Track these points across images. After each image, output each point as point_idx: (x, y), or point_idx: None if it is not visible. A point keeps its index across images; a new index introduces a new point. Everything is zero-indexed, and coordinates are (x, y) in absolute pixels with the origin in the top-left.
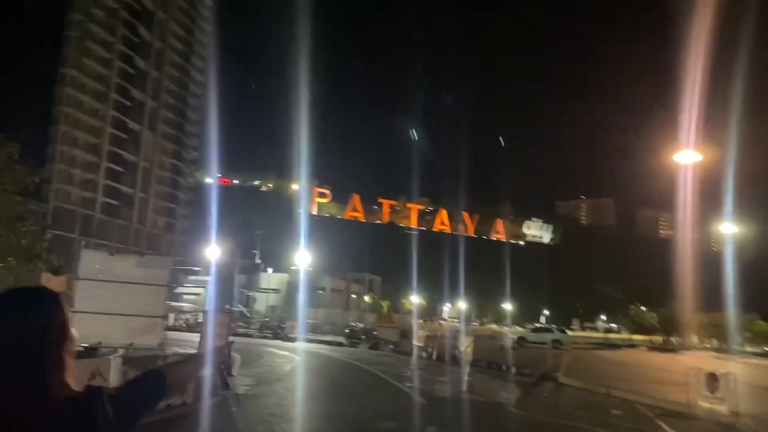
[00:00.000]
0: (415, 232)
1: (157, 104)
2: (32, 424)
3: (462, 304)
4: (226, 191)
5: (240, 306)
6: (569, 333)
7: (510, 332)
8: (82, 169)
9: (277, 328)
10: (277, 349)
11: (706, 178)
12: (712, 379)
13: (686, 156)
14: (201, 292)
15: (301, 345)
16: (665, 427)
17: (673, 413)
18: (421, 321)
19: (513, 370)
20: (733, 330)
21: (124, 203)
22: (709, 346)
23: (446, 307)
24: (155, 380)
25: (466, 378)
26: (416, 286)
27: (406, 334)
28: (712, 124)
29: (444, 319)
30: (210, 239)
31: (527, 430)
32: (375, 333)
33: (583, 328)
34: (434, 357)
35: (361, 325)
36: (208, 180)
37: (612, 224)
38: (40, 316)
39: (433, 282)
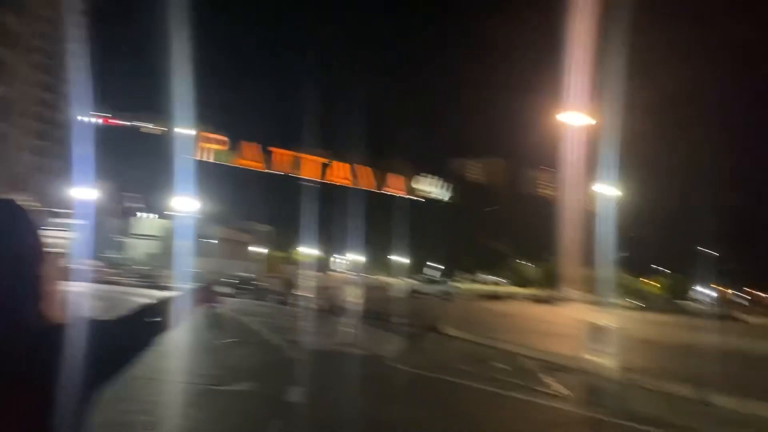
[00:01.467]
0: (310, 184)
1: (29, 30)
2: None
3: (357, 257)
4: (110, 132)
5: (115, 253)
6: (459, 285)
7: (403, 284)
8: None
9: (153, 277)
10: (147, 298)
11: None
12: (599, 332)
13: (570, 117)
14: (70, 237)
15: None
16: (551, 381)
17: (560, 367)
18: (316, 272)
19: (400, 321)
20: (606, 283)
21: None
22: (584, 298)
23: (341, 260)
24: (149, 315)
25: (348, 330)
26: (311, 238)
27: (293, 284)
28: (598, 88)
29: (339, 271)
30: (85, 181)
31: (405, 387)
32: (262, 283)
33: (471, 281)
34: (321, 308)
35: (248, 275)
36: (87, 118)
37: (502, 183)
38: (10, 234)
39: (329, 234)
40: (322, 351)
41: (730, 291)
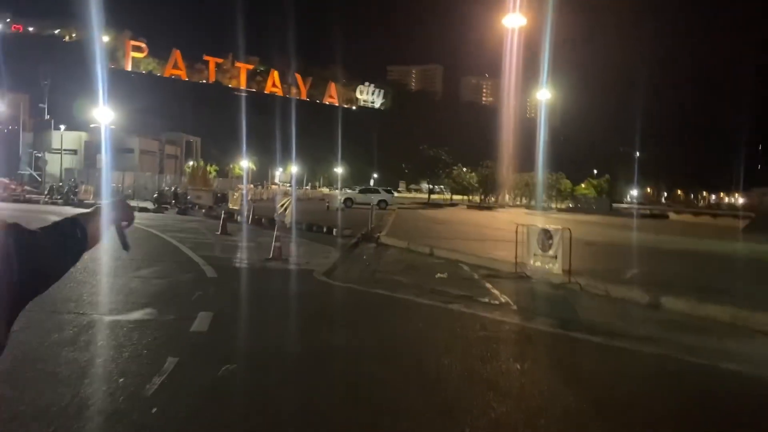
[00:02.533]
0: (244, 94)
1: None
2: None
3: (293, 168)
4: (17, 39)
5: (28, 169)
6: (395, 194)
7: (339, 194)
8: None
9: (69, 193)
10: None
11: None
12: (546, 236)
13: (511, 20)
14: None
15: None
16: (495, 291)
17: (502, 274)
18: (251, 186)
19: (334, 231)
20: (542, 188)
21: None
22: (520, 203)
23: (277, 172)
24: (73, 228)
25: (274, 243)
26: (246, 150)
27: (222, 198)
28: None
29: (275, 184)
30: None
31: (335, 305)
32: (188, 197)
33: (410, 190)
34: (250, 221)
35: (173, 189)
36: None
37: (440, 90)
38: None
39: (264, 146)
40: (242, 267)
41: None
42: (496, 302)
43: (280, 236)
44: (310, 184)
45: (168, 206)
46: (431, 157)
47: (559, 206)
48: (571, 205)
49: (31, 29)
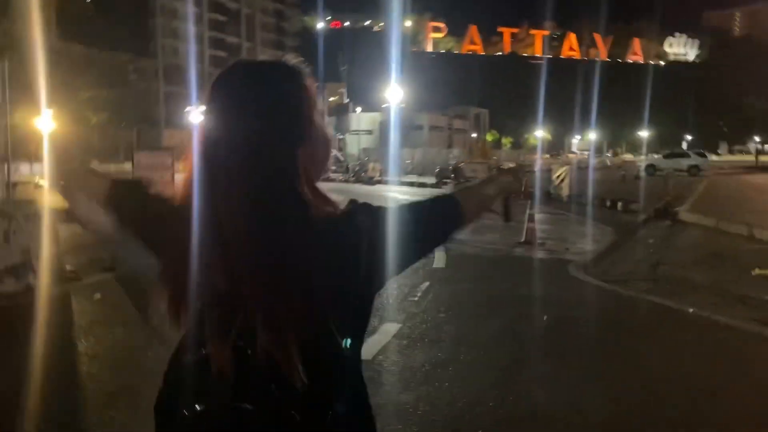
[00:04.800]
0: (539, 61)
1: None
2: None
3: (592, 135)
4: (334, 34)
5: (333, 150)
6: (713, 157)
7: (641, 161)
8: (184, 21)
9: (361, 171)
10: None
11: None
12: None
13: None
14: None
15: (376, 189)
16: None
17: None
18: (548, 156)
19: (622, 207)
20: None
21: (232, 54)
22: None
23: (575, 140)
24: (448, 206)
25: (528, 224)
26: (541, 119)
27: (498, 169)
28: None
29: (572, 152)
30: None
31: (575, 322)
32: (465, 171)
33: (732, 152)
34: (522, 195)
35: (453, 164)
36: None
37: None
38: (290, 89)
39: (562, 114)
40: (484, 256)
41: None
42: None
43: (537, 215)
44: (611, 151)
45: (448, 181)
46: (759, 110)
47: None
48: None
49: (347, 24)
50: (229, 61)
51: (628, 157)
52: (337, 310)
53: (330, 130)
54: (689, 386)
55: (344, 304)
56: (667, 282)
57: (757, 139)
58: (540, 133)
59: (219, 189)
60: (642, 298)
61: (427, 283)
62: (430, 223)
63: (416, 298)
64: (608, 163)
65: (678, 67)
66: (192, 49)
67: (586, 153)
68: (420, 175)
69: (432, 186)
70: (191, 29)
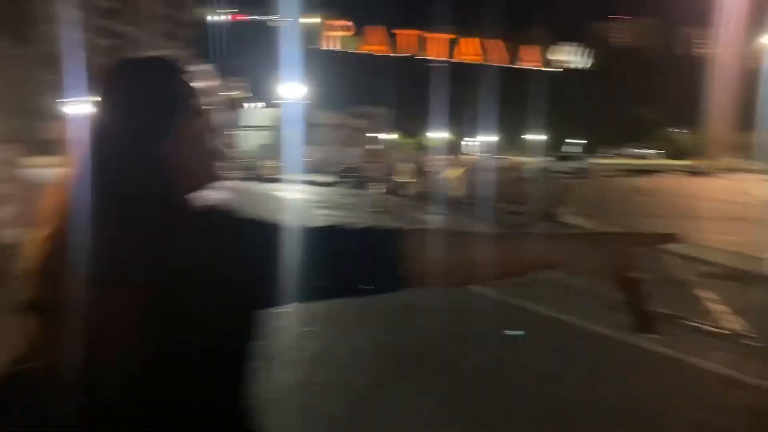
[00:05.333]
0: (439, 64)
1: None
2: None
3: (490, 137)
4: (237, 28)
5: (224, 146)
6: (600, 161)
7: (535, 164)
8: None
9: (256, 169)
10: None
11: None
12: None
13: None
14: None
15: (270, 187)
16: (718, 306)
17: (728, 272)
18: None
19: (508, 208)
20: None
21: (125, 44)
22: (745, 167)
23: (474, 142)
24: (382, 246)
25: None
26: (438, 120)
27: (396, 170)
28: None
29: (470, 154)
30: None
31: (443, 329)
32: (363, 171)
33: (617, 156)
34: (418, 195)
35: (351, 163)
36: (214, 16)
37: (649, 45)
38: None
39: (462, 117)
40: None
41: None
42: (722, 330)
43: (430, 217)
44: (509, 153)
45: (348, 180)
46: (639, 117)
47: None
48: None
49: (249, 17)
50: (119, 50)
51: (523, 159)
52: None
53: (216, 125)
54: (564, 408)
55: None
56: (541, 287)
57: (636, 144)
58: (441, 135)
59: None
60: (511, 303)
61: None
62: (335, 260)
63: (292, 309)
64: (505, 164)
65: (569, 74)
66: (73, 36)
67: (484, 155)
68: (319, 173)
69: (329, 185)
70: (73, 15)
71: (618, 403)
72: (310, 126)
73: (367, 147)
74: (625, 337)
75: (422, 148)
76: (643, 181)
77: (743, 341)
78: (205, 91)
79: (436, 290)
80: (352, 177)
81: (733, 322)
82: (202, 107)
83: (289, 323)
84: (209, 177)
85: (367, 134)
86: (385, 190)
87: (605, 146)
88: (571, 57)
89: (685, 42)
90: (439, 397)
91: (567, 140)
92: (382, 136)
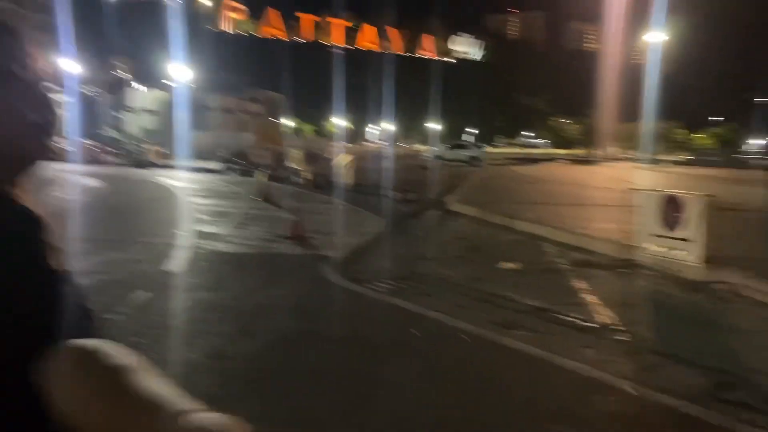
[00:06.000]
0: (338, 51)
1: None
2: None
3: (388, 125)
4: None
5: (109, 130)
6: (493, 149)
7: (431, 151)
8: None
9: (139, 154)
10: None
11: None
12: (672, 207)
13: None
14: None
15: (151, 173)
16: (590, 297)
17: (603, 261)
18: (339, 143)
19: (398, 196)
20: (652, 139)
21: None
22: (628, 156)
23: (372, 129)
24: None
25: (291, 217)
26: (337, 107)
27: (282, 156)
28: None
29: (369, 141)
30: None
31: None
32: (252, 156)
33: (510, 145)
34: (307, 182)
35: (240, 150)
36: None
37: (541, 38)
38: None
39: (361, 104)
40: (235, 252)
41: None
42: (590, 323)
43: (313, 205)
44: (407, 141)
45: (234, 167)
46: (527, 107)
47: (672, 159)
48: (689, 157)
49: None
50: None
51: (419, 147)
52: None
53: (43, 96)
54: (395, 417)
55: None
56: (419, 279)
57: (527, 133)
58: (339, 122)
59: None
60: (384, 301)
61: (149, 294)
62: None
63: (124, 316)
64: (402, 152)
65: (464, 64)
66: None
67: (382, 143)
68: (209, 159)
69: (218, 172)
70: None
71: (461, 414)
72: (200, 110)
73: (259, 133)
74: (493, 335)
75: (320, 134)
76: (531, 170)
77: (611, 336)
78: (33, 57)
79: (306, 288)
80: (240, 164)
81: (602, 315)
82: (24, 73)
83: (138, 329)
84: (28, 155)
85: (262, 120)
86: (270, 177)
87: (498, 135)
88: (467, 48)
89: (575, 36)
90: (289, 409)
91: (466, 129)
92: (277, 121)
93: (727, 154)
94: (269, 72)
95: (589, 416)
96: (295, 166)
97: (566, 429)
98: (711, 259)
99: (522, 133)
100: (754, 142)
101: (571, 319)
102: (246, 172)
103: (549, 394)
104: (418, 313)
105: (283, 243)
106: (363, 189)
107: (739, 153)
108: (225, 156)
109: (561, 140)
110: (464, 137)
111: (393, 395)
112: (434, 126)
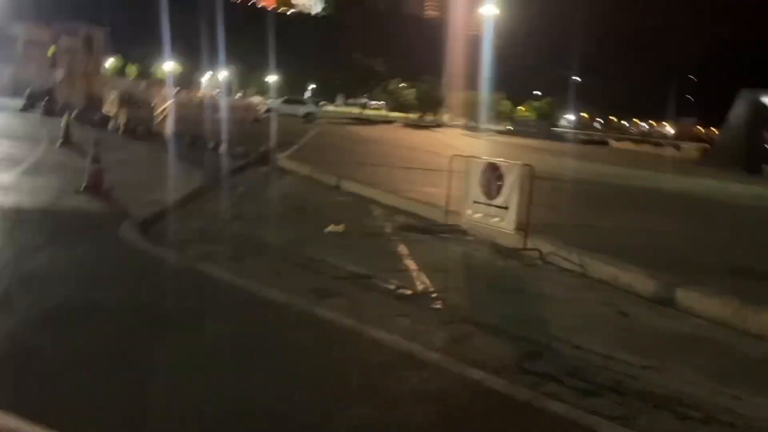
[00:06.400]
0: None
1: None
2: None
3: (222, 74)
4: None
5: None
6: (329, 107)
7: (263, 104)
8: None
9: None
10: None
11: None
12: (493, 175)
13: None
14: None
15: None
16: (410, 262)
17: (428, 225)
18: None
19: (224, 149)
20: (483, 108)
21: None
22: (460, 123)
23: (205, 77)
24: None
25: (90, 166)
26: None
27: (95, 97)
28: None
29: (201, 90)
30: None
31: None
32: (60, 96)
33: (347, 104)
34: (122, 130)
35: (48, 87)
36: None
37: (383, 1)
38: None
39: (192, 49)
40: (15, 209)
41: (593, 117)
42: (408, 291)
43: (118, 155)
44: (242, 91)
45: (37, 106)
46: (365, 67)
47: (497, 128)
48: (510, 128)
49: None
50: None
51: (257, 99)
52: None
53: None
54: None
55: None
56: (232, 243)
57: (366, 94)
58: (169, 66)
59: None
60: (193, 268)
61: None
62: None
63: None
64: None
65: (305, 18)
66: None
67: (217, 92)
68: (10, 96)
69: (21, 110)
70: None
71: (259, 397)
72: (2, 40)
73: (71, 69)
74: (306, 305)
75: (147, 77)
76: (366, 130)
77: (427, 304)
78: None
79: (94, 252)
80: (44, 102)
81: (421, 282)
82: None
83: None
84: None
85: (76, 55)
86: (77, 119)
87: (337, 93)
88: (308, 1)
89: (417, 2)
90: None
91: (310, 86)
92: (95, 58)
93: (545, 126)
94: (92, 3)
95: (394, 395)
96: (110, 110)
97: (369, 411)
98: (524, 227)
99: (361, 94)
100: (568, 117)
101: (390, 286)
102: (51, 112)
103: (358, 370)
104: (226, 281)
105: (78, 197)
106: (186, 140)
107: (556, 126)
108: (28, 93)
109: (398, 104)
110: (306, 94)
111: (179, 379)
112: (273, 79)
